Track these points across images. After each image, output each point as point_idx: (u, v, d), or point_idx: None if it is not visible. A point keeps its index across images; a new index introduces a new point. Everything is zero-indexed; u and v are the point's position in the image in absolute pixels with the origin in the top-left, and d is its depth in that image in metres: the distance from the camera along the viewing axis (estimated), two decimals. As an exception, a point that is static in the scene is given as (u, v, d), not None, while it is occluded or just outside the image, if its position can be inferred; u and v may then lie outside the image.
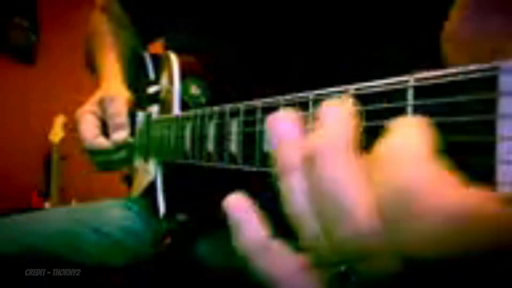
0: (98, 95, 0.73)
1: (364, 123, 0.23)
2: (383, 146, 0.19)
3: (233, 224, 0.24)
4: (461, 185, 0.17)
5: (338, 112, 0.21)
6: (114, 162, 0.72)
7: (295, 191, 0.22)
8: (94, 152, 0.71)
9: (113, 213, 0.74)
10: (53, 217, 0.72)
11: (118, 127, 0.69)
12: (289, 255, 0.23)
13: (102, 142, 0.69)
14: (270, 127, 0.24)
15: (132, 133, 0.73)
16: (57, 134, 2.27)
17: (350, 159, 0.20)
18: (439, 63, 0.22)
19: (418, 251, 0.18)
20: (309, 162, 0.21)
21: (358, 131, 0.21)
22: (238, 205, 0.24)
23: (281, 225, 0.23)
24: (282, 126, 0.23)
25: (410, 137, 0.19)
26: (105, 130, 0.71)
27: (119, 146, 0.70)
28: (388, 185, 0.18)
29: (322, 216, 0.21)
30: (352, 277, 0.21)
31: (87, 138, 0.70)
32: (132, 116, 0.73)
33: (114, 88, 0.74)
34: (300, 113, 0.27)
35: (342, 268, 0.21)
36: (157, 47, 0.90)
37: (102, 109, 0.71)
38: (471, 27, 0.21)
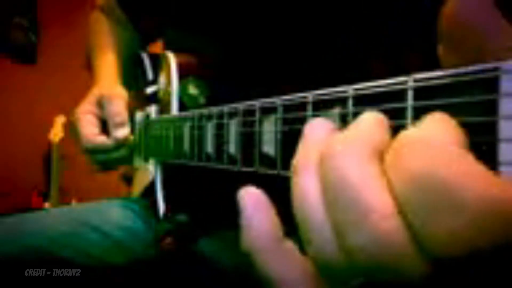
0: (95, 94, 0.73)
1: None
2: (408, 136, 0.17)
3: (246, 216, 0.22)
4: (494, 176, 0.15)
5: (368, 119, 0.20)
6: (114, 161, 0.73)
7: (307, 191, 0.20)
8: (95, 151, 0.71)
9: (113, 213, 0.74)
10: (53, 217, 0.72)
11: (119, 125, 0.69)
12: (300, 257, 0.21)
13: (103, 140, 0.70)
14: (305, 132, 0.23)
15: (132, 133, 0.73)
16: (57, 134, 2.27)
17: (365, 160, 0.18)
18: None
19: (449, 249, 0.15)
20: (325, 161, 0.19)
21: (384, 138, 0.19)
22: (253, 197, 0.22)
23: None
24: (314, 131, 0.22)
25: (437, 128, 0.17)
26: (104, 129, 0.72)
27: (119, 144, 0.70)
28: (412, 173, 0.16)
29: (335, 220, 0.18)
30: None
31: (88, 137, 0.70)
32: (130, 116, 0.73)
33: (111, 87, 0.74)
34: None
35: (356, 282, 0.18)
36: (156, 46, 0.89)
37: (101, 108, 0.71)
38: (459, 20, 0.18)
